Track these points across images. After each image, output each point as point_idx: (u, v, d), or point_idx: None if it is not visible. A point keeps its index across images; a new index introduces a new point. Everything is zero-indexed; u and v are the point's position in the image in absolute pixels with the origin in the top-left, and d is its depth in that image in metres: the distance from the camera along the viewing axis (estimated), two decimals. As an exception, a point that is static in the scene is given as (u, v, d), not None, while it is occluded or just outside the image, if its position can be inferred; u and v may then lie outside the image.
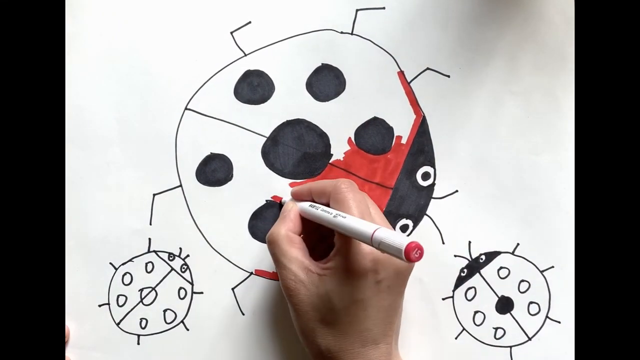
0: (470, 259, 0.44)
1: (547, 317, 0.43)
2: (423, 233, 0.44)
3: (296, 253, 0.38)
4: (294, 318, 0.38)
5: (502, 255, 0.44)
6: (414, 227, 0.44)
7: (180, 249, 0.44)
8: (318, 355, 0.37)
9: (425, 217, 0.44)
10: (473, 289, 0.43)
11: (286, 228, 0.39)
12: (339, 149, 0.44)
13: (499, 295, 0.44)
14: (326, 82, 0.44)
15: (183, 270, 0.44)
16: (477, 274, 0.44)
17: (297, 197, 0.42)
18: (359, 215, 0.36)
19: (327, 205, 0.39)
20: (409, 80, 0.44)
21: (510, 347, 0.43)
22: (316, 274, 0.37)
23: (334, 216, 0.36)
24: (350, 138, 0.44)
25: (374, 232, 0.32)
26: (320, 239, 0.41)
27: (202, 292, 0.44)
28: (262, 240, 0.44)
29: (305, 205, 0.40)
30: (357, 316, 0.36)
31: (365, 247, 0.35)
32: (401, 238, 0.31)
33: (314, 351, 0.37)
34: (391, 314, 0.37)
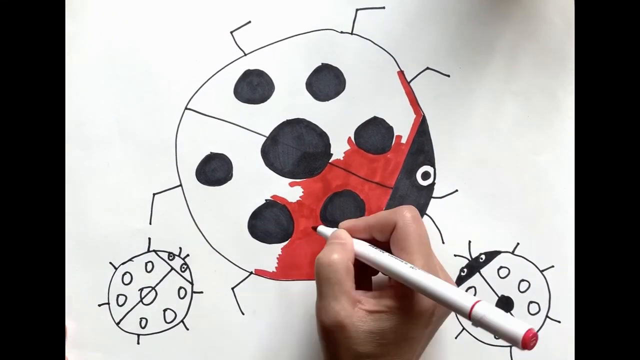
0: (470, 259, 0.44)
1: (547, 316, 0.43)
2: (423, 233, 0.44)
3: (350, 286, 0.36)
4: (333, 353, 0.36)
5: (502, 254, 0.44)
6: (414, 226, 0.44)
7: (180, 248, 0.44)
8: None
9: (425, 216, 0.44)
10: (473, 289, 0.43)
11: (347, 258, 0.37)
12: (338, 149, 0.44)
13: (499, 295, 0.44)
14: (326, 82, 0.44)
15: (183, 269, 0.44)
16: (477, 273, 0.44)
17: (352, 233, 0.39)
18: (424, 255, 0.35)
19: (388, 241, 0.38)
20: (409, 80, 0.44)
21: (510, 346, 0.43)
22: (365, 311, 0.35)
23: (411, 267, 0.35)
24: (350, 137, 0.44)
25: (473, 306, 0.31)
26: (365, 271, 0.39)
27: (202, 292, 0.44)
28: (262, 239, 0.44)
29: (364, 246, 0.38)
30: (404, 350, 0.35)
31: None
32: (514, 324, 0.29)
33: None
34: (425, 343, 0.38)
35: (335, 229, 0.40)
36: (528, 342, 0.29)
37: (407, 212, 0.37)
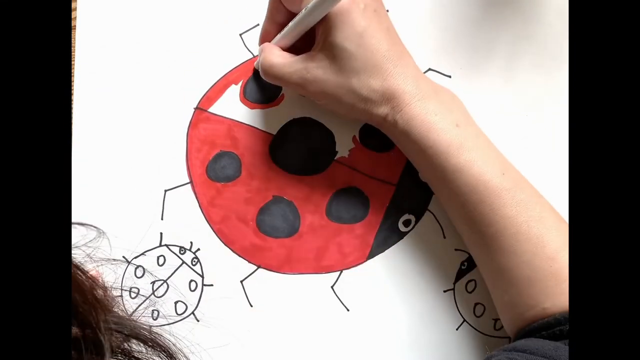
0: (470, 253, 0.45)
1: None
2: (425, 228, 0.44)
3: (294, 58, 0.39)
4: (347, 104, 0.39)
5: (501, 249, 0.44)
6: (417, 221, 0.44)
7: (191, 242, 0.45)
8: (380, 102, 0.39)
9: (427, 212, 0.45)
10: (473, 282, 0.44)
11: (276, 53, 0.40)
12: (344, 147, 0.45)
13: (499, 288, 0.44)
14: (332, 83, 0.45)
15: (194, 263, 0.44)
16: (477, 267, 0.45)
17: (266, 35, 0.42)
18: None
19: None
20: (411, 81, 0.45)
21: (510, 337, 0.44)
22: (320, 54, 0.38)
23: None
24: (355, 136, 0.45)
25: None
26: None
27: (212, 285, 0.44)
28: (270, 234, 0.45)
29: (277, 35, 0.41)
30: (372, 45, 0.37)
31: None
32: None
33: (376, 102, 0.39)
34: (393, 34, 0.39)
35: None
36: None
37: None
